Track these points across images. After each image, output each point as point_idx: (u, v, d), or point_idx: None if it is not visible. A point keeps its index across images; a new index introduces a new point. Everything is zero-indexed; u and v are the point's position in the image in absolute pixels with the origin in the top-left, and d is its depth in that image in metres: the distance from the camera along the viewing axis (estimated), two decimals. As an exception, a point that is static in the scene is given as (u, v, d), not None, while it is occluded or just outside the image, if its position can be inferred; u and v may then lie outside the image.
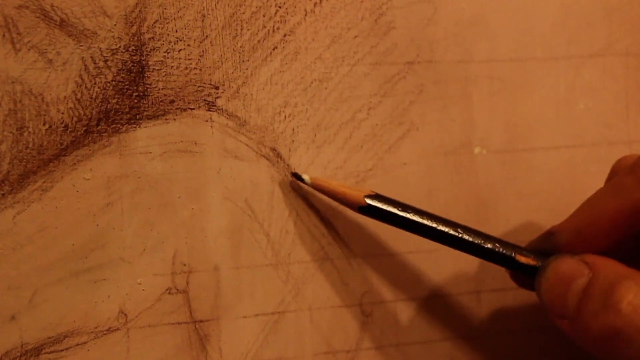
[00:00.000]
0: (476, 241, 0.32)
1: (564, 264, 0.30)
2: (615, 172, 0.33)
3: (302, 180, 0.33)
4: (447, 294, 0.36)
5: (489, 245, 0.31)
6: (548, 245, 0.31)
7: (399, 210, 0.32)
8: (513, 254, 0.31)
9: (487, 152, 0.36)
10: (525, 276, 0.32)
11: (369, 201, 0.32)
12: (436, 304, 0.36)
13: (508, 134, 0.36)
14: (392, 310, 0.35)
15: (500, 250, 0.31)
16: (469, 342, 0.36)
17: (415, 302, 0.35)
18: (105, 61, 0.31)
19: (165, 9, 0.32)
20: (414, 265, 0.35)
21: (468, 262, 0.36)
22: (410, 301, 0.35)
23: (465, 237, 0.31)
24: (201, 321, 0.33)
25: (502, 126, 0.36)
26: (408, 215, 0.32)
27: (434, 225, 0.31)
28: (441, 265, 0.36)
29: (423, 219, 0.32)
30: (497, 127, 0.36)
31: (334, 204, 0.34)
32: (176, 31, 0.32)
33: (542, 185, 0.37)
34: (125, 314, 0.32)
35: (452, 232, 0.32)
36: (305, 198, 0.34)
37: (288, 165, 0.34)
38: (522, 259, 0.31)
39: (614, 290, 0.27)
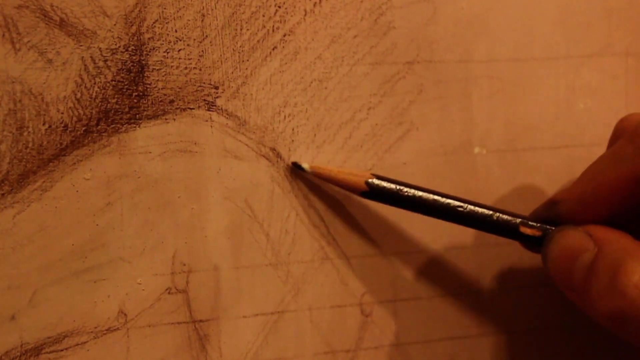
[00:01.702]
0: (480, 214, 0.32)
1: (569, 237, 0.30)
2: (617, 135, 0.33)
3: (302, 169, 0.33)
4: (447, 294, 0.36)
5: (493, 218, 0.32)
6: (551, 214, 0.31)
7: (402, 190, 0.32)
8: (517, 226, 0.31)
9: (487, 152, 0.36)
10: (531, 246, 0.32)
11: (370, 183, 0.32)
12: (436, 304, 0.36)
13: (508, 134, 0.36)
14: (392, 310, 0.35)
15: (504, 222, 0.32)
16: (469, 342, 0.36)
17: (415, 302, 0.35)
18: (105, 61, 0.31)
19: (164, 8, 0.32)
20: (414, 265, 0.35)
21: (468, 262, 0.36)
22: (410, 301, 0.35)
23: (469, 210, 0.32)
24: (201, 321, 0.33)
25: (502, 126, 0.36)
26: (411, 193, 0.32)
27: (437, 200, 0.32)
28: (441, 265, 0.36)
29: (426, 195, 0.32)
30: (497, 127, 0.36)
31: (335, 196, 0.34)
32: (176, 31, 0.32)
33: (542, 185, 0.37)
34: (125, 314, 0.32)
35: (454, 205, 0.32)
36: (306, 197, 0.34)
37: (288, 165, 0.34)
38: (526, 230, 0.31)
39: (619, 272, 0.27)
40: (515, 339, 0.37)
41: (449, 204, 0.32)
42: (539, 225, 0.31)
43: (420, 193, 0.32)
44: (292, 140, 0.34)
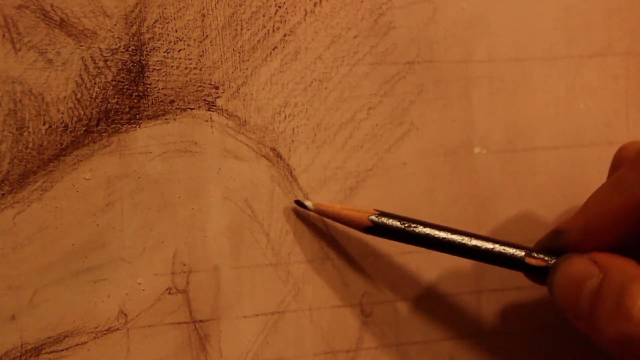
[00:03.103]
0: (484, 248, 0.32)
1: (574, 264, 0.30)
2: (618, 163, 0.33)
3: (305, 207, 0.33)
4: (447, 294, 0.36)
5: (498, 251, 0.32)
6: (556, 244, 0.31)
7: (405, 227, 0.32)
8: (522, 257, 0.31)
9: (487, 152, 0.36)
10: (537, 276, 0.32)
11: (373, 220, 0.32)
12: (436, 304, 0.36)
13: (508, 134, 0.36)
14: (392, 310, 0.35)
15: (509, 254, 0.32)
16: (469, 342, 0.36)
17: (415, 302, 0.35)
18: (105, 61, 0.31)
19: (165, 8, 0.32)
20: (414, 265, 0.35)
21: (468, 262, 0.36)
22: (410, 301, 0.35)
23: (473, 245, 0.32)
24: (201, 321, 0.33)
25: (502, 126, 0.36)
26: (414, 230, 0.32)
27: (442, 236, 0.32)
28: (441, 265, 0.36)
29: (430, 231, 0.32)
30: (497, 127, 0.36)
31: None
32: (176, 31, 0.32)
33: (542, 185, 0.37)
34: (125, 314, 0.32)
35: (459, 241, 0.32)
36: (306, 197, 0.34)
37: (288, 165, 0.34)
38: (531, 261, 0.31)
39: (624, 295, 0.27)
40: (515, 339, 0.37)
41: (453, 239, 0.32)
42: (543, 255, 0.31)
43: (423, 229, 0.32)
44: (292, 140, 0.34)
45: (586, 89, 0.37)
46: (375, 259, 0.35)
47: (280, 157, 0.34)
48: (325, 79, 0.34)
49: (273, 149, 0.33)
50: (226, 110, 0.33)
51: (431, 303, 0.36)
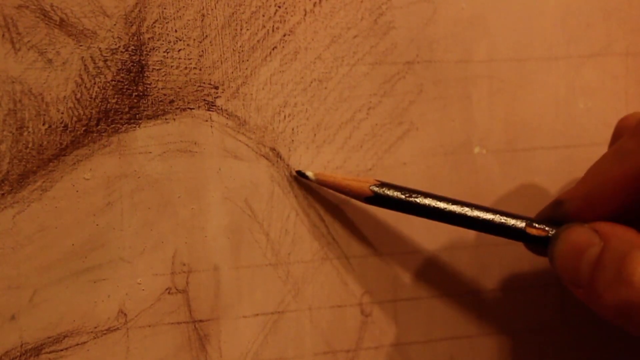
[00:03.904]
0: (486, 218, 0.32)
1: (575, 233, 0.30)
2: (619, 134, 0.33)
3: (306, 177, 0.33)
4: (447, 294, 0.36)
5: (498, 221, 0.32)
6: (557, 214, 0.32)
7: (406, 196, 0.32)
8: (523, 227, 0.31)
9: (487, 152, 0.36)
10: (537, 247, 0.32)
11: (374, 190, 0.32)
12: (436, 304, 0.36)
13: (508, 134, 0.36)
14: (392, 310, 0.35)
15: (510, 224, 0.32)
16: (469, 342, 0.36)
17: (415, 302, 0.35)
18: (105, 61, 0.31)
19: (164, 8, 0.32)
20: (415, 265, 0.35)
21: (468, 262, 0.36)
22: (410, 301, 0.35)
23: (474, 215, 0.32)
24: (201, 321, 0.33)
25: (502, 126, 0.36)
26: (415, 200, 0.32)
27: (442, 206, 0.32)
28: (441, 265, 0.36)
29: (430, 201, 0.32)
30: (497, 127, 0.36)
31: (336, 199, 0.34)
32: (176, 31, 0.32)
33: (542, 185, 0.37)
34: (125, 314, 0.32)
35: (460, 211, 0.32)
36: (305, 197, 0.34)
37: (288, 165, 0.34)
38: (532, 231, 0.31)
39: (625, 262, 0.27)
40: (515, 339, 0.37)
41: (453, 209, 0.32)
42: (544, 226, 0.31)
43: (424, 199, 0.32)
44: (292, 140, 0.34)
45: (586, 89, 0.37)
46: (375, 259, 0.35)
47: (280, 157, 0.34)
48: (325, 79, 0.34)
49: (273, 149, 0.33)
50: (226, 110, 0.33)
51: (431, 303, 0.36)
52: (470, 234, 0.36)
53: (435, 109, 0.35)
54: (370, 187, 0.32)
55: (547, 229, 0.31)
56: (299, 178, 0.33)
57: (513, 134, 0.36)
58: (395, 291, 0.35)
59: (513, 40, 0.36)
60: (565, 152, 0.37)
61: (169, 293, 0.32)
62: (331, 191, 0.33)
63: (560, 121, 0.37)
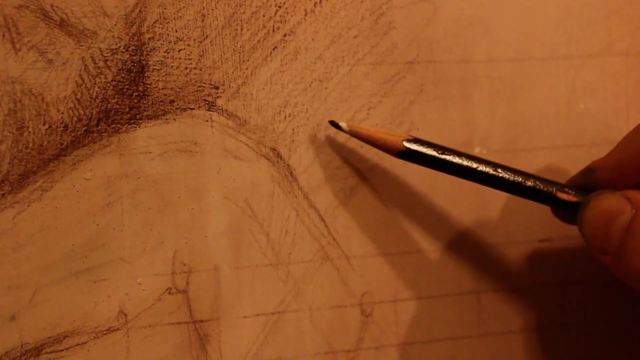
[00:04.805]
0: (517, 180, 0.32)
1: (606, 200, 0.30)
2: None
3: (339, 127, 0.33)
4: (447, 294, 0.36)
5: (530, 183, 0.32)
6: (588, 182, 0.32)
7: (438, 153, 0.32)
8: (554, 191, 0.31)
9: (487, 152, 0.36)
10: (567, 212, 0.32)
11: (407, 145, 0.32)
12: (436, 304, 0.36)
13: (508, 134, 0.36)
14: (392, 310, 0.35)
15: (541, 187, 0.32)
16: (469, 342, 0.36)
17: (415, 302, 0.35)
18: (105, 61, 0.31)
19: (165, 9, 0.32)
20: (415, 265, 0.35)
21: (468, 262, 0.36)
22: (410, 301, 0.35)
23: (506, 176, 0.32)
24: (201, 321, 0.33)
25: (502, 126, 0.36)
26: (447, 158, 0.32)
27: (474, 165, 0.32)
28: (441, 265, 0.36)
29: (463, 160, 0.32)
30: (497, 127, 0.36)
31: (336, 195, 0.34)
32: (176, 31, 0.32)
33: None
34: (125, 314, 0.32)
35: (492, 171, 0.32)
36: (305, 197, 0.34)
37: (288, 165, 0.34)
38: (563, 195, 0.31)
39: None
40: (515, 339, 0.37)
41: (485, 169, 0.32)
42: (575, 190, 0.31)
43: (456, 157, 0.32)
44: (293, 141, 0.34)
45: (586, 89, 0.37)
46: (375, 259, 0.35)
47: (280, 157, 0.34)
48: (326, 79, 0.34)
49: (273, 149, 0.33)
50: (226, 110, 0.33)
51: (431, 303, 0.36)
52: (470, 234, 0.36)
53: (435, 109, 0.35)
54: (404, 142, 0.32)
55: (578, 194, 0.31)
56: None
57: (513, 134, 0.36)
58: (395, 291, 0.35)
59: (513, 40, 0.36)
60: (565, 152, 0.37)
61: (169, 293, 0.32)
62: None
63: (560, 121, 0.37)
